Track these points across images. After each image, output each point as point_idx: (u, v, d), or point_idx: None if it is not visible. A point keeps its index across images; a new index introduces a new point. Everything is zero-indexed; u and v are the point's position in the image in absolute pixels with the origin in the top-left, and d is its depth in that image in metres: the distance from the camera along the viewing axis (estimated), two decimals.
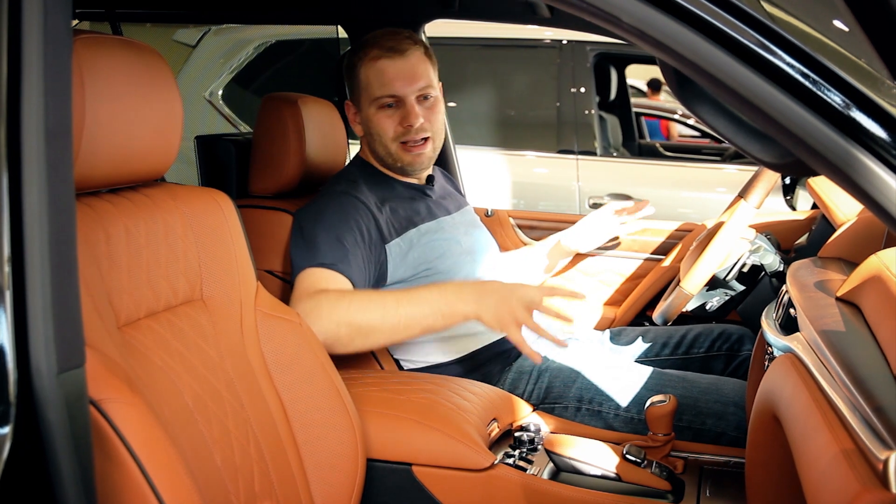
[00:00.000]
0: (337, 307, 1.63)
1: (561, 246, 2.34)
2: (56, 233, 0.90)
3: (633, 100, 5.21)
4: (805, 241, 2.35)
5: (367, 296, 1.69)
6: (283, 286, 1.95)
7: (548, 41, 3.94)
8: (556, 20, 2.41)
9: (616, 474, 1.53)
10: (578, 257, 2.73)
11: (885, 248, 1.36)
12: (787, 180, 2.88)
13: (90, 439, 0.94)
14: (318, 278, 1.72)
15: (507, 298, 1.65)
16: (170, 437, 1.05)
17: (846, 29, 0.96)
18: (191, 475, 1.05)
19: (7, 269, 0.87)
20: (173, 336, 1.26)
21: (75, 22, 2.96)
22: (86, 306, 1.02)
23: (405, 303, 1.66)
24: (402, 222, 1.92)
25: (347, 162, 2.12)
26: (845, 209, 1.89)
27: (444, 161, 2.58)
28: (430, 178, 2.09)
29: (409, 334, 1.69)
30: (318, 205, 1.89)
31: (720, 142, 5.07)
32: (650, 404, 1.63)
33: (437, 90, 1.98)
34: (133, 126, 1.20)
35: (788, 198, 2.93)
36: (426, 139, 1.95)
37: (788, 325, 1.37)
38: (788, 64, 0.87)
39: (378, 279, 1.87)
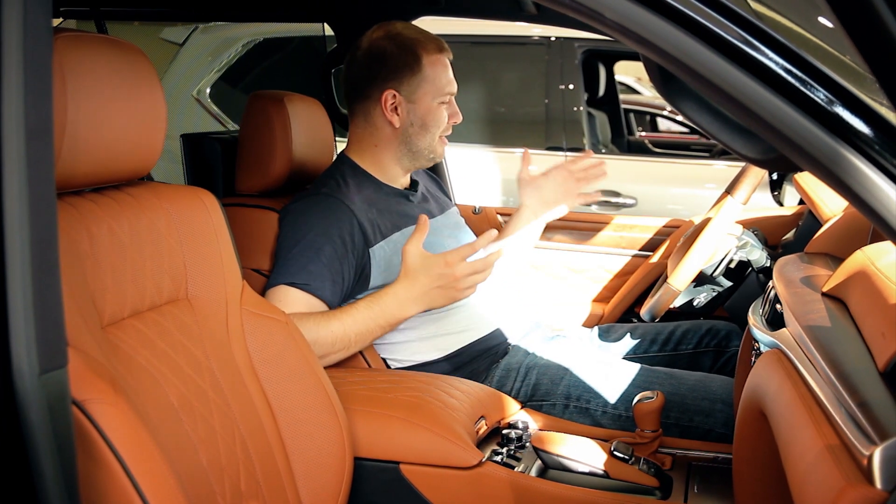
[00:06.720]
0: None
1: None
2: (37, 233, 0.89)
3: (621, 96, 5.21)
4: (792, 236, 2.36)
5: (316, 322, 1.74)
6: None
7: (536, 38, 3.94)
8: (542, 17, 2.41)
9: (604, 471, 1.53)
10: (568, 255, 2.73)
11: (870, 243, 1.36)
12: (775, 176, 2.88)
13: (73, 440, 0.93)
14: (286, 298, 1.78)
15: (437, 278, 1.75)
16: (154, 438, 1.04)
17: (830, 26, 0.96)
18: (175, 475, 1.05)
19: None
20: (158, 336, 1.25)
21: (60, 20, 2.94)
22: (68, 306, 1.01)
23: (350, 324, 1.76)
24: (387, 225, 1.92)
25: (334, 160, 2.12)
26: (832, 205, 1.90)
27: None
28: (414, 184, 2.09)
29: (362, 347, 1.80)
30: (302, 207, 1.89)
31: (708, 138, 5.07)
32: (638, 401, 1.63)
33: None
34: (116, 125, 1.19)
35: (775, 194, 2.94)
36: None
37: (775, 321, 1.37)
38: (772, 60, 0.87)
39: (360, 284, 1.86)
